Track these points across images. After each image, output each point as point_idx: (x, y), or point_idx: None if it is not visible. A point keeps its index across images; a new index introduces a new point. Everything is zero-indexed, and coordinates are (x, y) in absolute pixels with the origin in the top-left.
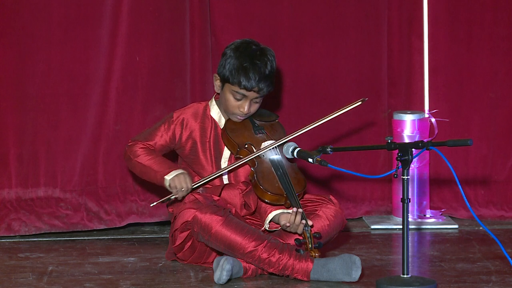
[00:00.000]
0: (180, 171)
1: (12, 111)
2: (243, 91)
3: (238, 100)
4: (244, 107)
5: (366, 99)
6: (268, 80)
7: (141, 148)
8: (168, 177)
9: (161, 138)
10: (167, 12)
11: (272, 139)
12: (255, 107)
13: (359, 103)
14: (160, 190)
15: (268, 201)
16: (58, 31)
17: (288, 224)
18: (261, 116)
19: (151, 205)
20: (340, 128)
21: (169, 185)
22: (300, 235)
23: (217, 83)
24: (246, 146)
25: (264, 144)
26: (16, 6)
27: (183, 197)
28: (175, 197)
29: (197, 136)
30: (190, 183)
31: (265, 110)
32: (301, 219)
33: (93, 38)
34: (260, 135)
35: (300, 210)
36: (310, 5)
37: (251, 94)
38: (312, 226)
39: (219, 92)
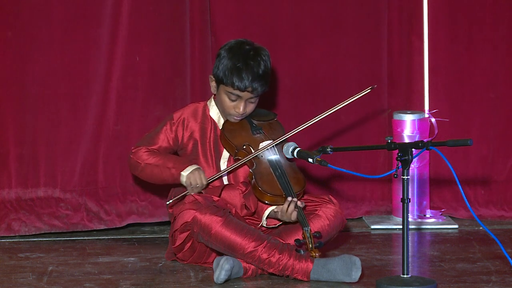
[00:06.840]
0: (194, 166)
1: (12, 111)
2: (237, 92)
3: (233, 101)
4: (239, 108)
5: (375, 86)
6: (262, 79)
7: (146, 151)
8: (185, 173)
9: (164, 141)
10: (167, 12)
11: (270, 139)
12: (251, 107)
13: (369, 90)
14: (161, 189)
15: (267, 202)
16: (58, 31)
17: (276, 210)
18: (259, 115)
19: (167, 203)
20: (340, 128)
21: (185, 182)
22: (295, 222)
23: (213, 84)
24: (244, 147)
25: (262, 145)
26: (16, 6)
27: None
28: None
29: (198, 137)
30: (205, 179)
31: (263, 109)
32: (295, 208)
33: (93, 38)
34: (258, 135)
35: (295, 199)
36: (310, 5)
37: (246, 95)
38: (304, 208)
39: (215, 93)
